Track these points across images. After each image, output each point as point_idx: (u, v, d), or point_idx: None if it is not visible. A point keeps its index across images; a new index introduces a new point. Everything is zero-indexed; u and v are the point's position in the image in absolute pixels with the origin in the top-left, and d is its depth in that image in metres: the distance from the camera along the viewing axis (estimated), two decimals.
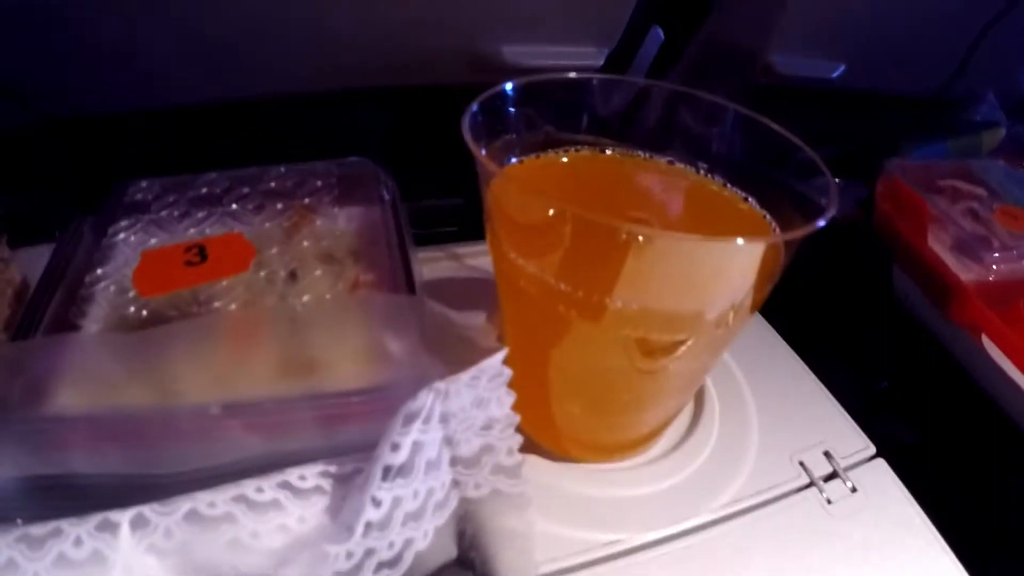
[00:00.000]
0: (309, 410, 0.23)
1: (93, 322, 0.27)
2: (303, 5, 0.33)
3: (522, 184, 0.27)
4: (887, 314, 0.41)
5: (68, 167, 0.35)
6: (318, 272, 0.27)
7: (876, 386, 0.39)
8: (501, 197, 0.25)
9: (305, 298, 0.26)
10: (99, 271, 0.27)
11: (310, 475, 0.22)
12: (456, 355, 0.22)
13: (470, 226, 0.40)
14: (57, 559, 0.21)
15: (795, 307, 0.33)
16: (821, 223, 0.23)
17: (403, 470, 0.20)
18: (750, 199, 0.29)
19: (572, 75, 0.28)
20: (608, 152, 0.30)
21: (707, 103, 0.29)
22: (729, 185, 0.29)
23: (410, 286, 0.26)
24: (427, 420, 0.20)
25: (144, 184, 0.30)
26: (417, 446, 0.20)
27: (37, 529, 0.21)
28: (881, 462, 0.33)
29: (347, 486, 0.21)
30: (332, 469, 0.22)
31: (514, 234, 0.25)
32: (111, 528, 0.21)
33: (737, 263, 0.24)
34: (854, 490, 0.31)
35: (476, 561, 0.23)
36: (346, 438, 0.23)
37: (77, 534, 0.21)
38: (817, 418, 0.34)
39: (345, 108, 0.42)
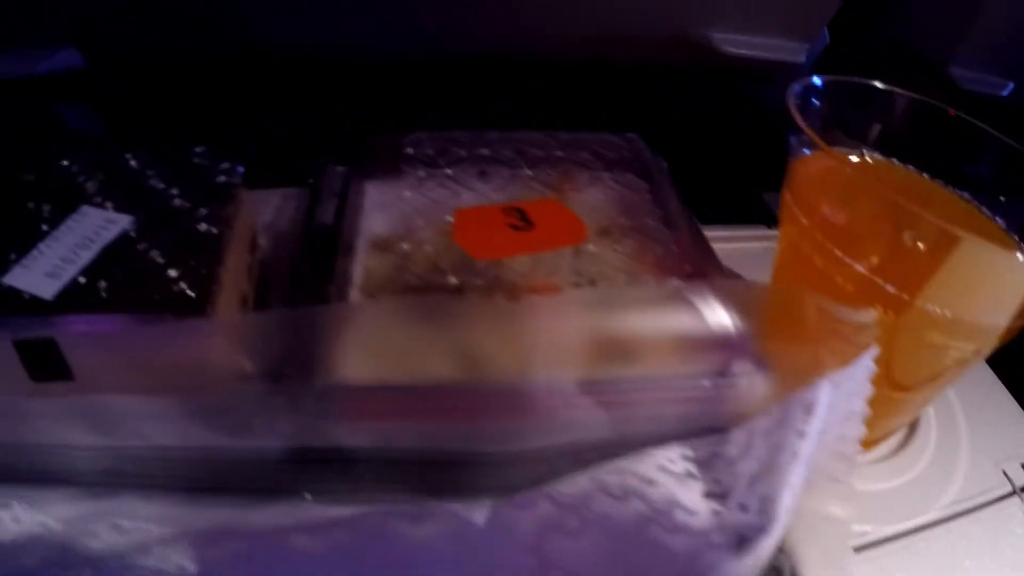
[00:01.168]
0: (663, 391, 0.22)
1: (376, 283, 0.25)
2: None
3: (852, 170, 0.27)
4: None
5: (311, 114, 0.33)
6: (605, 248, 0.26)
7: None
8: (819, 179, 0.25)
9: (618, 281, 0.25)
10: (384, 227, 0.25)
11: (676, 459, 0.21)
12: (825, 347, 0.22)
13: None
14: None
15: None
16: None
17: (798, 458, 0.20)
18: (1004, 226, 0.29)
19: (878, 84, 0.28)
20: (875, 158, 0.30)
21: (980, 131, 0.29)
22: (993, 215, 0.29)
23: (714, 264, 0.26)
24: (818, 411, 0.20)
25: (419, 137, 0.28)
26: (810, 436, 0.20)
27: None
28: None
29: (715, 471, 0.21)
30: (691, 453, 0.21)
31: (825, 221, 0.25)
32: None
33: None
34: None
35: (787, 544, 0.23)
36: (683, 423, 0.23)
37: None
38: (1013, 432, 0.35)
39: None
